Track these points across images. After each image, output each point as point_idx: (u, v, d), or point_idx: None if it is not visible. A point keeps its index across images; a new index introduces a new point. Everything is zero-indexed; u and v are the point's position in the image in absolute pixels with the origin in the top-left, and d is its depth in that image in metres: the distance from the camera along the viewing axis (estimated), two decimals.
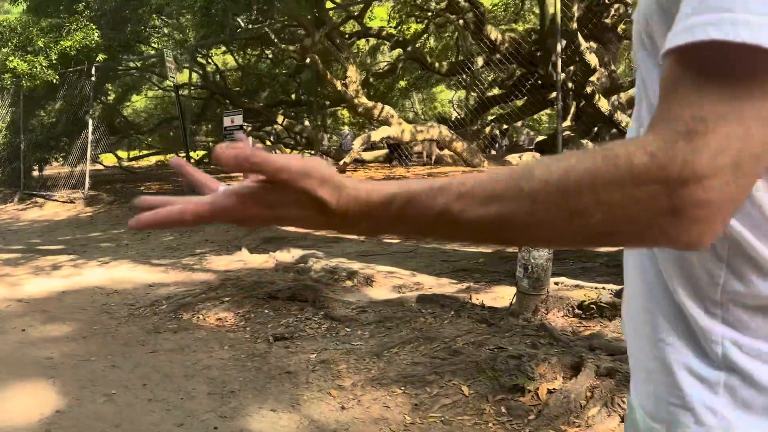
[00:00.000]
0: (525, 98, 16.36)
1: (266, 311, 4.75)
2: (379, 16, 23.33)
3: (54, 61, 10.96)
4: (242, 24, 12.55)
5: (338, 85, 15.49)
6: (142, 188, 14.32)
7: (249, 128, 9.98)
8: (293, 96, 23.72)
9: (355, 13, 15.07)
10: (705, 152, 0.50)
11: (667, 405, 0.68)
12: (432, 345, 3.68)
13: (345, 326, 4.26)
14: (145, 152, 24.48)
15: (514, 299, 3.94)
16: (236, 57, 22.02)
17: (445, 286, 5.02)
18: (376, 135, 15.78)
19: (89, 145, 12.14)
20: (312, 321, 4.44)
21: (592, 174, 0.52)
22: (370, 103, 15.88)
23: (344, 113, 27.60)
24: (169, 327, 4.60)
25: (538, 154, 18.25)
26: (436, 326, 4.01)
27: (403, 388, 3.24)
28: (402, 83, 28.23)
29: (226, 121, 9.50)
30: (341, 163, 15.39)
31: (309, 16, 14.80)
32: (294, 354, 3.89)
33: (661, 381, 0.69)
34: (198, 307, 4.91)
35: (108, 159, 20.71)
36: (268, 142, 19.98)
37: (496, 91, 18.06)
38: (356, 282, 5.22)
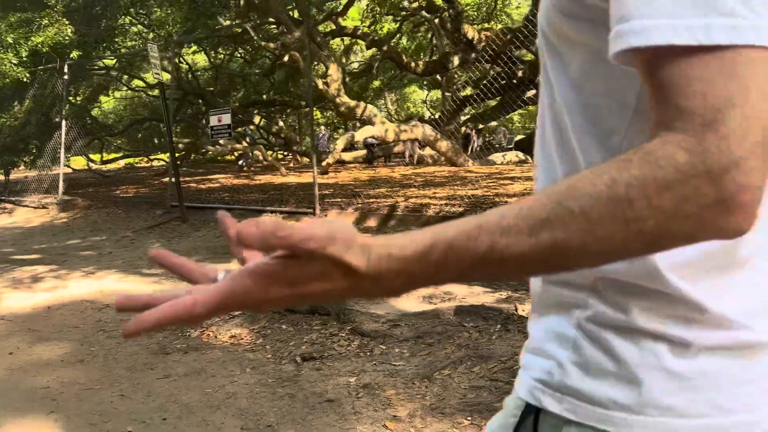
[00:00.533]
0: (500, 98, 16.06)
1: (284, 326, 4.31)
2: (351, 16, 22.94)
3: (24, 59, 10.32)
4: (222, 21, 12.03)
5: (319, 83, 15.08)
6: (118, 192, 13.67)
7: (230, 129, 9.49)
8: (265, 96, 23.23)
9: (339, 10, 14.56)
10: (733, 137, 0.49)
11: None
12: (488, 365, 3.28)
13: (378, 343, 3.84)
14: (118, 155, 23.69)
15: None
16: (211, 56, 21.41)
17: (480, 295, 4.62)
18: (360, 135, 15.39)
19: (62, 148, 11.48)
20: (339, 337, 4.01)
21: (640, 180, 0.51)
22: (353, 102, 15.48)
23: (317, 113, 27.22)
24: (178, 347, 4.14)
25: (520, 153, 18.06)
26: (484, 342, 3.62)
27: (469, 418, 2.84)
28: (376, 83, 27.89)
29: (213, 121, 8.98)
30: (324, 164, 14.97)
31: (290, 14, 14.36)
32: (328, 377, 3.46)
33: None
34: (206, 323, 4.45)
35: (75, 162, 19.90)
36: (244, 143, 19.38)
37: (469, 90, 17.77)
38: None
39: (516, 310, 4.04)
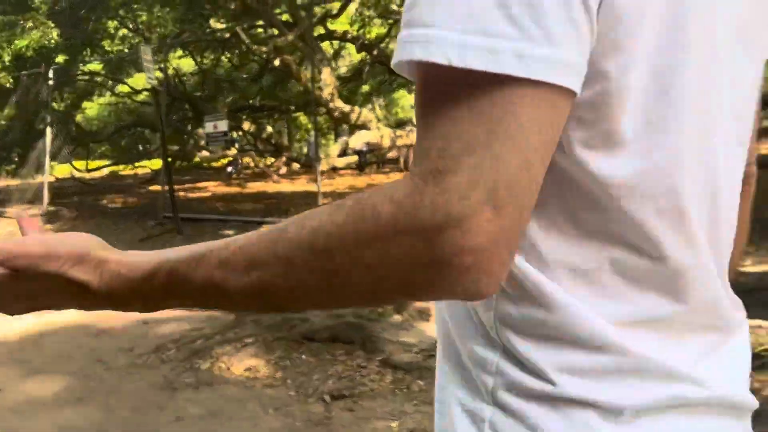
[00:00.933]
0: None
1: (304, 357, 3.90)
2: (339, 20, 22.60)
3: (8, 63, 9.83)
4: (217, 24, 11.61)
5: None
6: (105, 202, 13.17)
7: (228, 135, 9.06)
8: (252, 101, 22.81)
9: (334, 12, 14.20)
10: (455, 191, 0.45)
11: None
12: None
13: (415, 378, 3.45)
14: (103, 163, 23.15)
15: None
16: (197, 60, 20.94)
17: None
18: (355, 140, 15.02)
19: (47, 156, 10.98)
20: (369, 370, 3.61)
21: (340, 231, 0.48)
22: (347, 107, 15.10)
23: (303, 119, 26.87)
24: (187, 381, 3.71)
25: None
26: None
27: None
28: (365, 87, 27.55)
29: (209, 127, 8.57)
30: (319, 171, 14.58)
31: (283, 17, 14.00)
32: (364, 420, 3.06)
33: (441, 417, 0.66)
34: (216, 353, 4.03)
35: (58, 171, 19.30)
36: (233, 150, 18.95)
37: None
38: (407, 315, 4.37)
39: None
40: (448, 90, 0.47)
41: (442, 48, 0.46)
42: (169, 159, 19.18)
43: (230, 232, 8.57)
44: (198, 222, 9.20)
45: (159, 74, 8.56)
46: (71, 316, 5.30)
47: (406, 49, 0.48)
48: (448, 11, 0.46)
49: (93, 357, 4.28)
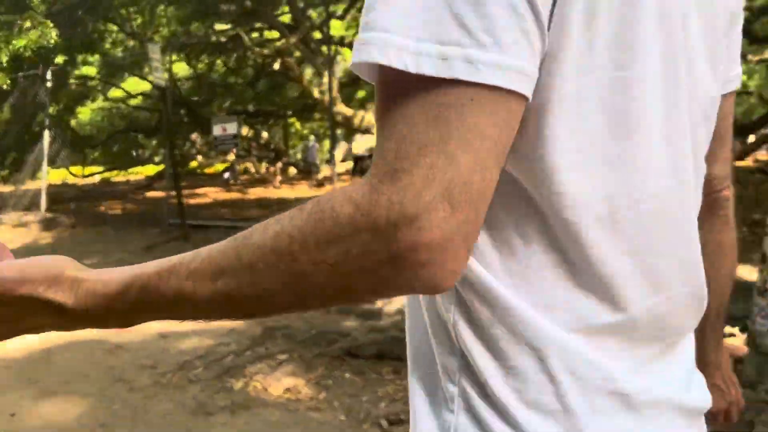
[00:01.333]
0: None
1: (347, 375, 3.57)
2: (334, 25, 22.35)
3: (5, 64, 9.44)
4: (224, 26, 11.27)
5: (315, 92, 14.43)
6: (103, 208, 12.77)
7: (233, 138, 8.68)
8: (248, 106, 22.51)
9: (338, 14, 13.92)
10: (410, 190, 0.46)
11: None
12: None
13: None
14: (98, 168, 22.77)
15: (748, 363, 2.86)
16: (193, 64, 20.59)
17: None
18: (359, 145, 14.71)
19: (45, 161, 10.57)
20: None
21: (302, 233, 0.49)
22: (350, 111, 14.80)
23: (296, 125, 26.65)
24: (221, 404, 3.38)
25: None
26: None
27: None
28: (362, 93, 27.30)
29: (217, 130, 8.20)
30: (321, 176, 14.30)
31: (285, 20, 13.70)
32: None
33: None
34: (249, 371, 3.70)
35: (52, 176, 18.80)
36: (231, 156, 18.61)
37: None
38: None
39: None
40: (404, 93, 0.48)
41: (399, 53, 0.47)
42: (164, 165, 18.82)
43: None
44: (205, 229, 8.83)
45: (164, 75, 8.18)
46: (83, 331, 4.93)
47: (364, 51, 0.49)
48: (405, 18, 0.48)
49: (112, 375, 3.93)
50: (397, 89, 0.48)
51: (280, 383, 3.54)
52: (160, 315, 0.57)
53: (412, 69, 0.47)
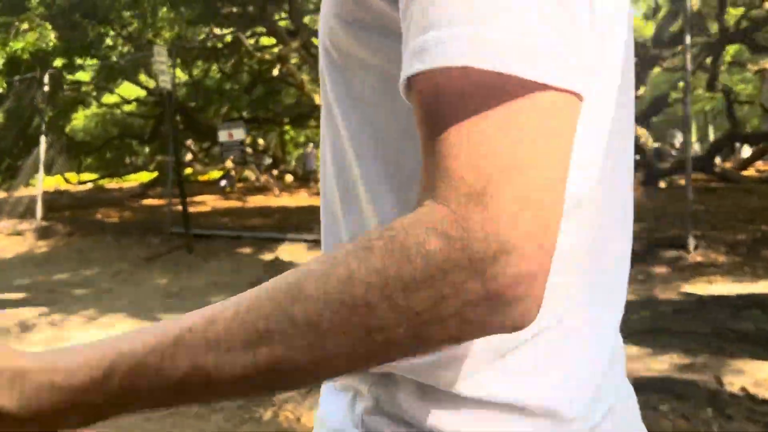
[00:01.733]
0: None
1: None
2: None
3: (1, 67, 9.14)
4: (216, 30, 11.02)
5: (317, 98, 14.19)
6: (99, 216, 12.43)
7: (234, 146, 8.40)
8: (244, 113, 22.31)
9: None
10: (504, 216, 0.40)
11: None
12: None
13: None
14: (93, 175, 22.47)
15: None
16: (191, 70, 20.33)
17: (644, 358, 3.61)
18: None
19: (41, 167, 10.25)
20: None
21: (383, 278, 0.40)
22: None
23: (291, 132, 26.49)
24: None
25: None
26: None
27: None
28: None
29: (222, 136, 7.92)
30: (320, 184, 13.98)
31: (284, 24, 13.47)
32: None
33: None
34: (278, 399, 3.42)
35: (46, 183, 18.38)
36: (229, 163, 18.32)
37: None
38: None
39: (720, 383, 3.07)
40: (485, 101, 0.41)
41: (489, 52, 0.41)
42: (158, 173, 18.46)
43: (246, 250, 7.93)
44: (208, 239, 8.54)
45: (167, 78, 7.91)
46: None
47: (449, 54, 0.41)
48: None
49: None
50: (473, 96, 0.41)
51: (313, 412, 3.26)
52: (154, 404, 0.45)
53: (503, 70, 0.40)
